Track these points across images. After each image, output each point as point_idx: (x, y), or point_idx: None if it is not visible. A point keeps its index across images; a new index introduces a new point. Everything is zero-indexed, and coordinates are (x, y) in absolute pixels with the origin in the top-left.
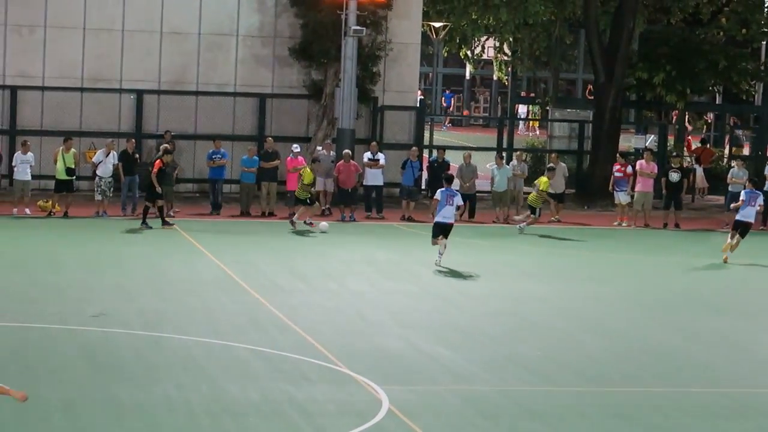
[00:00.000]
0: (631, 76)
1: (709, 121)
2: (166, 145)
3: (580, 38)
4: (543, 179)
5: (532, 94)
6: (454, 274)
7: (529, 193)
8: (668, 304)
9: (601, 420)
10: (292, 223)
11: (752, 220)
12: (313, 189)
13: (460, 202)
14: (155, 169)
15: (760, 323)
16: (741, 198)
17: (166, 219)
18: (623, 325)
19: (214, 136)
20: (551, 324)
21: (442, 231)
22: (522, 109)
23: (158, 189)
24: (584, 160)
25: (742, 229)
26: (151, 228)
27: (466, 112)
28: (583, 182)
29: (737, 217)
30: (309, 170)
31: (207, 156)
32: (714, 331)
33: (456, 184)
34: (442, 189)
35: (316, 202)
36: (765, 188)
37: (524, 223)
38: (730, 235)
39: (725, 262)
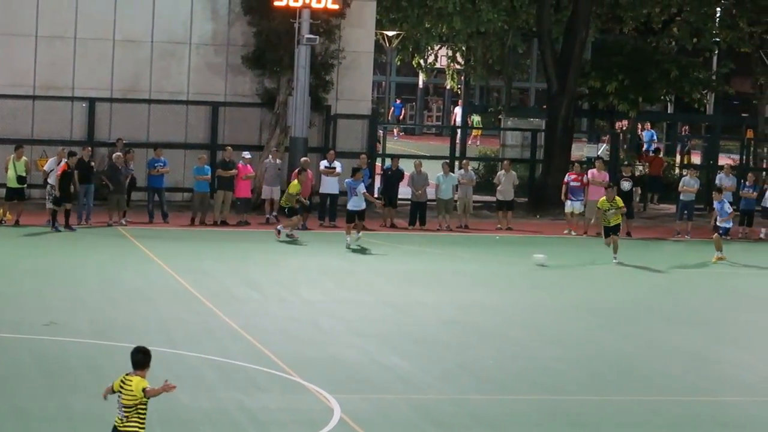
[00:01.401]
0: (584, 85)
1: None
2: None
3: (533, 47)
4: (600, 200)
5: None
6: (406, 282)
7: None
8: (621, 312)
9: (555, 428)
10: (278, 232)
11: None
12: (299, 199)
13: (363, 189)
14: (59, 172)
15: (713, 332)
16: (727, 211)
17: (70, 224)
18: (577, 333)
19: (166, 144)
20: (504, 333)
21: (357, 216)
22: (457, 117)
23: (57, 193)
24: (537, 168)
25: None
26: (74, 230)
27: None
28: (536, 191)
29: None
30: (296, 182)
31: (148, 164)
32: (668, 340)
33: (408, 192)
34: (348, 180)
35: (297, 215)
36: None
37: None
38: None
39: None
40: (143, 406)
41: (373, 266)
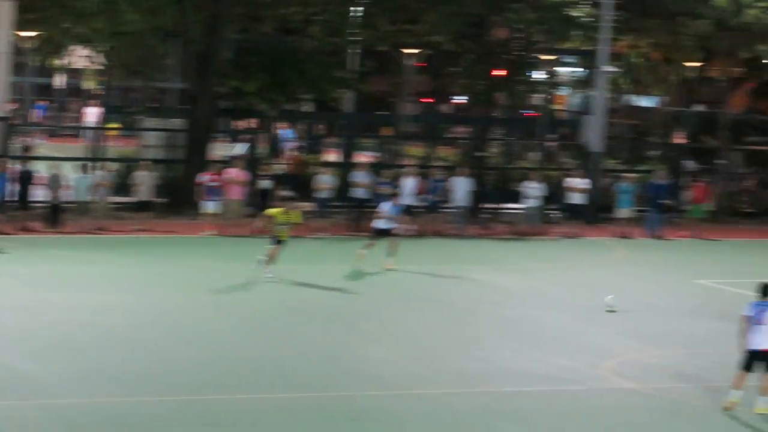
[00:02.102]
0: (225, 85)
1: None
2: None
3: (175, 47)
4: (276, 210)
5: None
6: (40, 285)
7: None
8: (259, 311)
9: (189, 429)
10: None
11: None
12: None
13: None
14: None
15: (354, 329)
16: (397, 210)
17: None
18: (212, 333)
19: None
20: (139, 334)
21: None
22: (91, 118)
23: None
24: (176, 169)
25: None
26: None
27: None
28: (175, 191)
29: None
30: None
31: None
32: (306, 337)
33: (44, 194)
34: None
35: None
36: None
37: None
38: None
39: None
40: None
41: (6, 270)
